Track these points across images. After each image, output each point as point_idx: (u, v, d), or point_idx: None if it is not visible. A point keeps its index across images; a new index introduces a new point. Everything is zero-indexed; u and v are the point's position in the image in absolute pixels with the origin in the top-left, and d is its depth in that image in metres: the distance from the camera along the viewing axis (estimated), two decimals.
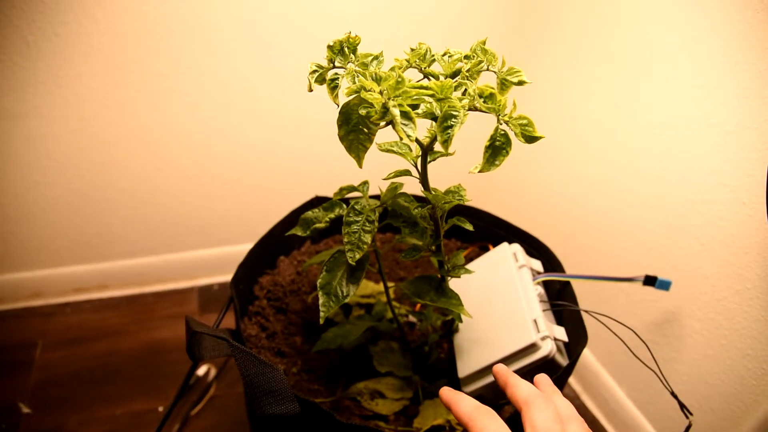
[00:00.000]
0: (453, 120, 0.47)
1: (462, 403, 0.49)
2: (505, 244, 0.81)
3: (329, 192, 0.77)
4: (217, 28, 1.05)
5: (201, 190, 1.24)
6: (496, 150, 0.49)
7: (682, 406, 0.73)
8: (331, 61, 0.53)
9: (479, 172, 0.49)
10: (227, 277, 1.33)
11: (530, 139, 0.49)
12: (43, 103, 1.04)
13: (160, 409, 1.04)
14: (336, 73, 0.52)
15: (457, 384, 0.72)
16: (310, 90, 0.53)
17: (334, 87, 0.51)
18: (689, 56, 0.84)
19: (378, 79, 0.47)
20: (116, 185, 1.18)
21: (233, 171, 1.23)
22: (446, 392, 0.52)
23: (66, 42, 0.99)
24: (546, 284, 0.80)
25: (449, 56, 0.57)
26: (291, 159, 1.25)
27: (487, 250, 0.91)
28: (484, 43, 0.57)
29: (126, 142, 1.13)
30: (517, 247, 0.80)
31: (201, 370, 1.10)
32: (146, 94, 1.09)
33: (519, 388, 0.49)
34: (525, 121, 0.49)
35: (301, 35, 1.10)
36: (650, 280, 0.81)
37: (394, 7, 1.13)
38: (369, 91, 0.46)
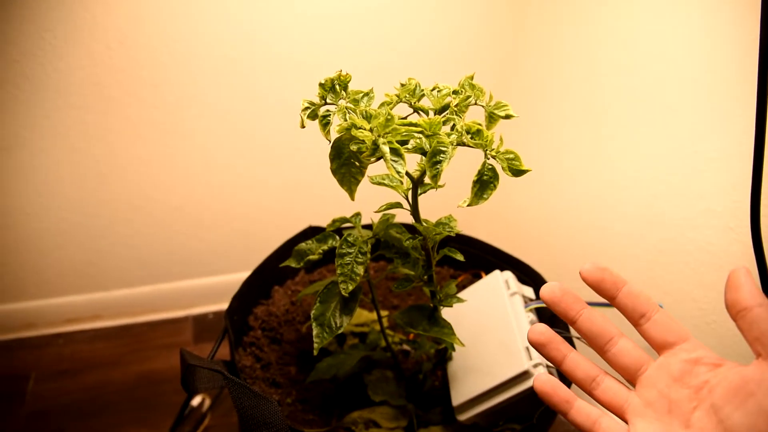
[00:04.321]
0: (442, 155, 0.48)
1: None
2: (496, 272, 0.81)
3: (323, 221, 0.78)
4: (210, 61, 1.07)
5: (195, 220, 1.24)
6: (483, 184, 0.50)
7: None
8: (323, 98, 0.54)
9: (468, 206, 0.50)
10: (222, 306, 1.33)
11: (517, 172, 0.50)
12: (35, 135, 1.04)
13: None
14: (327, 110, 0.54)
15: (452, 412, 0.73)
16: (303, 126, 0.54)
17: (325, 124, 0.53)
18: (671, 85, 0.86)
19: (368, 117, 0.49)
20: (109, 215, 1.18)
21: (227, 200, 1.24)
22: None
23: (62, 75, 1.00)
24: (538, 311, 0.81)
25: (438, 91, 0.59)
26: (285, 188, 1.26)
27: (479, 277, 0.92)
28: (471, 78, 0.59)
29: (120, 173, 1.14)
30: (508, 275, 0.81)
31: (195, 400, 1.10)
32: (140, 126, 1.10)
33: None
34: (512, 155, 0.51)
35: (293, 68, 1.11)
36: None
37: (386, 42, 1.15)
38: (359, 128, 0.48)
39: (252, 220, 1.29)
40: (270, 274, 0.86)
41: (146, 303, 1.31)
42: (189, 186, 1.20)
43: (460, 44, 1.21)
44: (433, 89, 0.59)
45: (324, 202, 1.30)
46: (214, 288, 1.33)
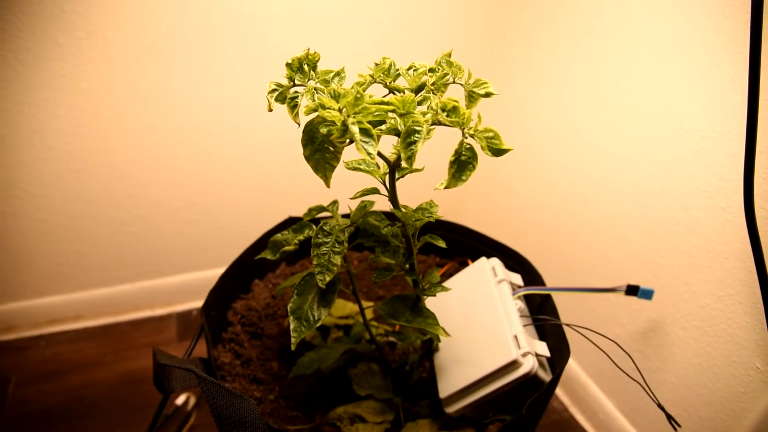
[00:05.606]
0: (416, 135, 0.46)
1: None
2: (483, 259, 0.79)
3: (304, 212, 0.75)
4: (184, 51, 1.03)
5: (175, 216, 1.21)
6: (461, 165, 0.47)
7: (669, 417, 0.72)
8: (291, 79, 0.51)
9: (445, 188, 0.48)
10: None
11: (497, 152, 0.48)
12: (7, 131, 1.01)
13: None
14: (296, 92, 0.51)
15: (440, 405, 0.70)
16: (270, 110, 0.51)
17: (293, 106, 0.50)
18: (661, 64, 0.84)
19: (337, 96, 0.46)
20: (88, 213, 1.15)
21: (207, 195, 1.21)
22: None
23: (29, 68, 0.96)
24: (526, 298, 0.79)
25: (414, 70, 0.56)
26: (266, 180, 1.23)
27: (466, 265, 0.89)
28: (449, 55, 0.56)
29: (96, 169, 1.10)
30: (495, 261, 0.78)
31: (180, 399, 1.07)
32: (115, 119, 1.06)
33: None
34: (491, 134, 0.48)
35: (270, 55, 1.08)
36: (632, 290, 0.79)
37: (365, 25, 1.12)
38: (328, 108, 0.45)
39: (235, 214, 1.26)
40: (249, 267, 0.84)
41: (129, 301, 1.28)
42: (169, 181, 1.17)
43: (438, 21, 1.18)
44: (409, 68, 0.56)
45: (307, 193, 1.27)
46: (197, 284, 1.30)
